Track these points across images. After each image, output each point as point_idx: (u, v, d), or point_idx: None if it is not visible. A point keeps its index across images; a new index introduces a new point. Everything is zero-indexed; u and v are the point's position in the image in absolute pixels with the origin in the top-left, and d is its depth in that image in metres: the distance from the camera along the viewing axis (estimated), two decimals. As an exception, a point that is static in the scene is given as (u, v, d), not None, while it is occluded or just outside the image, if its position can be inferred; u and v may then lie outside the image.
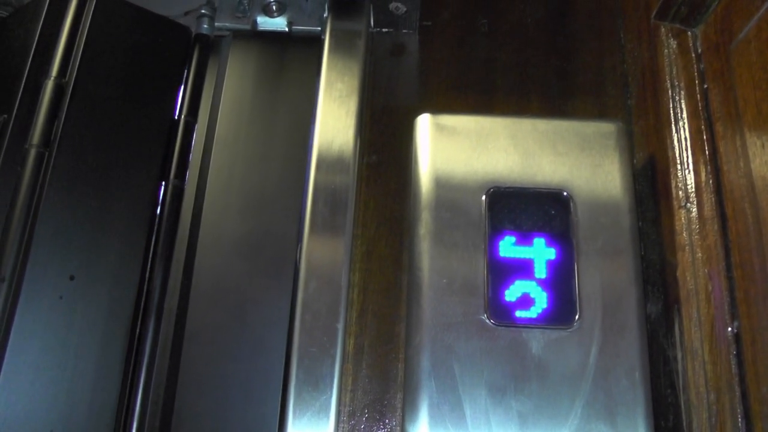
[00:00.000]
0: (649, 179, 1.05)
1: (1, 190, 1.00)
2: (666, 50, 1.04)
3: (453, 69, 1.21)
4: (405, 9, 1.19)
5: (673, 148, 0.99)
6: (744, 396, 0.84)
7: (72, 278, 0.99)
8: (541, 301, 0.94)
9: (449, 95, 1.19)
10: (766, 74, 0.83)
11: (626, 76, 1.19)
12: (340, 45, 1.13)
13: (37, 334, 0.95)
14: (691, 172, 0.96)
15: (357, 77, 1.11)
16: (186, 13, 1.21)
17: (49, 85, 1.05)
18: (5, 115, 1.04)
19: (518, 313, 0.93)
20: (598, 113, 1.17)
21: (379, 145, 1.15)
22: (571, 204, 0.98)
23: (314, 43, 1.18)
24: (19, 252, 0.97)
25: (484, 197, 0.98)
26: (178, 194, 1.10)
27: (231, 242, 1.06)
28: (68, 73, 1.07)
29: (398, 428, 0.99)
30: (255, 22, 1.21)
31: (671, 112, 1.01)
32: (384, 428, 0.99)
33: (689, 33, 1.03)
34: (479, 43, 1.23)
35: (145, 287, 1.04)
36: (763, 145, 0.82)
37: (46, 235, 0.98)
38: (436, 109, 1.10)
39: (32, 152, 1.02)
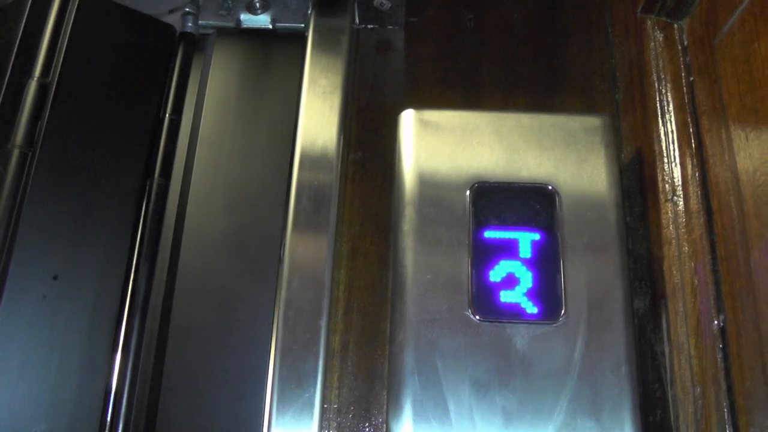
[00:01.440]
0: (636, 174, 1.05)
1: (-16, 190, 1.00)
2: (652, 43, 1.03)
3: (439, 65, 1.21)
4: (390, 5, 1.19)
5: (660, 141, 0.98)
6: (730, 390, 0.83)
7: (56, 278, 0.98)
8: (526, 281, 0.94)
9: (435, 91, 1.19)
10: (750, 67, 0.82)
11: (614, 71, 1.18)
12: (324, 41, 1.13)
13: (21, 334, 0.95)
14: (678, 166, 0.95)
15: (341, 73, 1.10)
16: (170, 12, 1.21)
17: (33, 85, 1.05)
18: (-12, 115, 1.04)
19: (503, 295, 0.93)
20: (586, 108, 1.16)
21: (365, 141, 1.15)
22: (557, 199, 0.97)
23: (298, 39, 1.18)
24: (2, 252, 0.96)
25: (468, 192, 0.98)
26: (162, 192, 1.10)
27: (216, 240, 1.05)
28: (51, 73, 1.07)
29: (384, 425, 0.98)
30: (239, 20, 1.21)
31: (658, 105, 1.00)
32: (370, 425, 0.99)
33: (675, 26, 1.02)
34: (466, 39, 1.23)
35: (130, 286, 1.04)
36: (747, 138, 0.81)
37: (30, 235, 0.98)
38: (423, 105, 1.09)
39: (15, 152, 1.01)
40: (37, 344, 0.95)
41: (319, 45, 1.12)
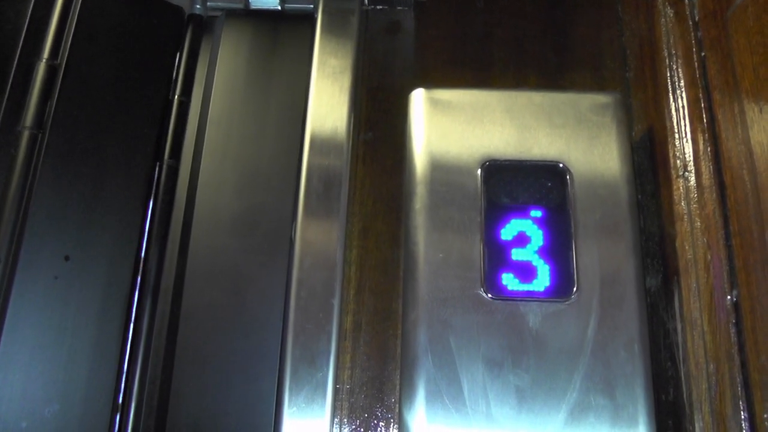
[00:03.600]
0: (648, 151, 1.04)
1: (-5, 172, 1.01)
2: (663, 19, 1.02)
3: (449, 45, 1.20)
4: (399, -15, 1.19)
5: (671, 117, 0.98)
6: (743, 365, 0.83)
7: (67, 258, 0.98)
8: (539, 261, 0.93)
9: (446, 71, 1.18)
10: (764, 39, 0.82)
11: (624, 49, 1.17)
12: (334, 22, 1.12)
13: (34, 315, 0.95)
14: (689, 141, 0.95)
15: (351, 54, 1.10)
16: (179, -7, 1.21)
17: (41, 67, 1.05)
18: (-2, 98, 1.04)
19: (515, 277, 0.93)
20: (597, 87, 1.16)
21: (375, 121, 1.14)
22: (568, 176, 0.97)
23: (307, 20, 1.18)
24: (13, 233, 0.97)
25: (479, 171, 0.97)
26: (172, 174, 1.10)
27: (226, 221, 1.05)
28: (60, 55, 1.07)
29: (397, 405, 0.98)
30: (247, 1, 1.20)
31: (669, 81, 0.99)
32: (382, 406, 0.99)
33: (686, 1, 1.01)
34: (475, 19, 1.22)
35: (141, 267, 1.04)
36: (761, 110, 0.81)
37: (41, 216, 0.98)
38: (433, 85, 1.09)
39: (25, 134, 1.01)
40: (49, 325, 0.95)
41: (329, 26, 1.12)
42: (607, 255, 0.93)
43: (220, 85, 1.14)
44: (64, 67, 1.06)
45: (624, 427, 0.87)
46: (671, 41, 1.01)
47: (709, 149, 0.92)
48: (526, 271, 0.93)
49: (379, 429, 0.98)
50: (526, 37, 1.20)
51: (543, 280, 0.93)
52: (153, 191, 1.08)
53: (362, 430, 0.98)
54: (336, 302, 0.95)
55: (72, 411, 0.94)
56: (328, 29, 1.12)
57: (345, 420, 0.98)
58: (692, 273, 0.90)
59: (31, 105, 1.03)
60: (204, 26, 1.22)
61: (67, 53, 1.06)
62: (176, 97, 1.15)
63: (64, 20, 1.08)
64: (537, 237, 0.95)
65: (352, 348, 1.01)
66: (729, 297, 0.86)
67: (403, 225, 1.02)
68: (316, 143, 1.04)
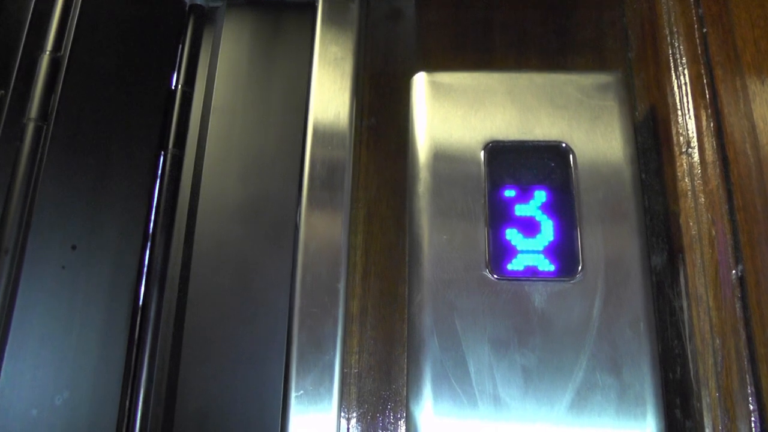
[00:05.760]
0: (651, 130, 1.04)
1: (0, 164, 1.01)
2: (664, -3, 1.02)
3: (450, 30, 1.20)
4: (399, -30, 1.19)
5: (673, 95, 0.97)
6: (749, 339, 0.82)
7: (74, 248, 0.99)
8: (544, 237, 0.93)
9: (447, 56, 1.18)
10: (764, 11, 0.82)
11: (626, 30, 1.17)
12: (334, 9, 1.13)
13: (42, 304, 0.96)
14: (692, 118, 0.94)
15: (352, 41, 1.10)
16: (179, -16, 1.22)
17: (45, 59, 1.06)
18: (2, 91, 1.04)
19: (520, 256, 0.93)
20: (599, 68, 1.16)
21: (378, 107, 1.14)
22: (571, 156, 0.97)
23: (308, 8, 1.18)
24: (20, 224, 0.97)
25: (482, 152, 0.97)
26: (177, 163, 1.10)
27: (231, 208, 1.06)
28: (63, 47, 1.07)
29: (405, 388, 0.99)
30: (248, -10, 1.21)
31: (671, 59, 0.99)
32: (390, 390, 0.99)
33: (687, -21, 1.01)
34: (476, 3, 1.22)
35: (147, 255, 1.05)
36: (762, 83, 0.81)
37: (47, 207, 0.99)
38: (435, 69, 1.09)
39: (30, 126, 1.02)
40: (57, 314, 0.96)
41: (330, 13, 1.12)
42: (611, 234, 0.93)
43: (222, 74, 1.15)
44: (68, 59, 1.06)
45: (631, 405, 0.87)
46: (672, 19, 1.00)
47: (712, 125, 0.92)
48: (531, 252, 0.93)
49: (387, 413, 0.99)
50: (527, 20, 1.20)
51: (548, 258, 0.93)
52: (158, 180, 1.09)
53: (370, 414, 0.99)
54: (342, 286, 0.95)
55: (81, 399, 0.95)
56: (329, 16, 1.12)
57: (353, 404, 0.99)
58: (697, 249, 0.90)
59: (35, 97, 1.03)
60: (206, 16, 1.22)
61: (70, 45, 1.07)
62: (179, 86, 1.15)
63: (67, 12, 1.09)
64: (541, 216, 0.95)
65: (359, 332, 1.02)
66: (734, 272, 0.85)
67: (408, 209, 1.02)
68: (319, 130, 1.04)
